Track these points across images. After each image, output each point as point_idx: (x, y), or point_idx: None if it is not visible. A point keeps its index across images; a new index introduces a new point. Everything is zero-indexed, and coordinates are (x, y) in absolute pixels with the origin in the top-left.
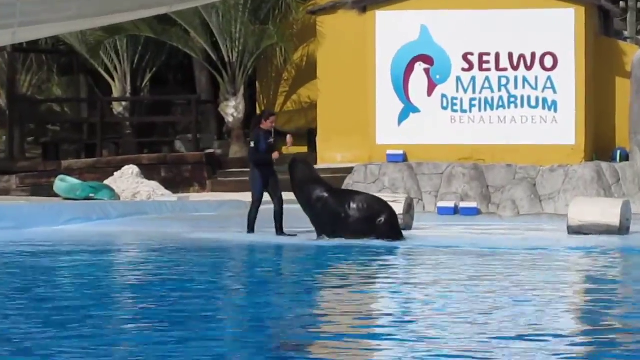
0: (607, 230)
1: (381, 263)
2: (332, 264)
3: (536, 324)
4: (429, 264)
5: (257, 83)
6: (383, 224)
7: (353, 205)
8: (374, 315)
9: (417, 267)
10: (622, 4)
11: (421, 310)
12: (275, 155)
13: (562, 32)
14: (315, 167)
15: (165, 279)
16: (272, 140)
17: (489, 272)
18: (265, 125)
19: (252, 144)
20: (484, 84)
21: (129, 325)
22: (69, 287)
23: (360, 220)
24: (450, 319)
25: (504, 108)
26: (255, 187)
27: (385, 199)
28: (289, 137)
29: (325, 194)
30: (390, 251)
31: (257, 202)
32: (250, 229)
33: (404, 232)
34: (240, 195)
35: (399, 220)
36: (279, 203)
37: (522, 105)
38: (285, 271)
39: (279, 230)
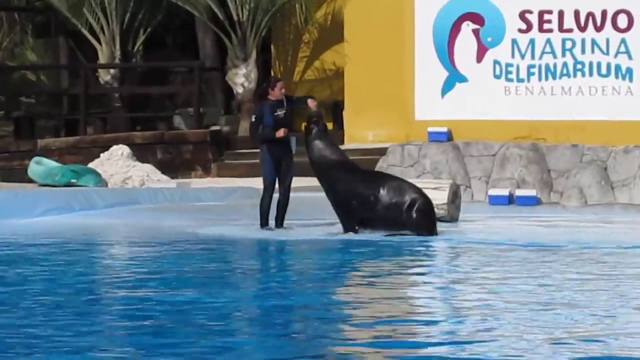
0: None
1: (419, 263)
2: (364, 263)
3: None
4: (479, 261)
5: (271, 47)
6: (416, 213)
7: (382, 191)
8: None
9: (464, 267)
10: None
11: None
12: (280, 133)
13: None
14: (343, 146)
15: (164, 290)
16: (281, 112)
17: (563, 274)
18: (273, 94)
19: (253, 118)
20: (544, 47)
21: None
22: (28, 301)
23: (391, 208)
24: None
25: (569, 77)
26: (265, 170)
27: (425, 185)
28: (310, 101)
29: (350, 176)
30: (428, 248)
31: (268, 189)
32: (264, 221)
33: (449, 225)
34: (251, 181)
35: (443, 211)
36: (284, 192)
37: (591, 74)
38: (311, 271)
39: (279, 223)
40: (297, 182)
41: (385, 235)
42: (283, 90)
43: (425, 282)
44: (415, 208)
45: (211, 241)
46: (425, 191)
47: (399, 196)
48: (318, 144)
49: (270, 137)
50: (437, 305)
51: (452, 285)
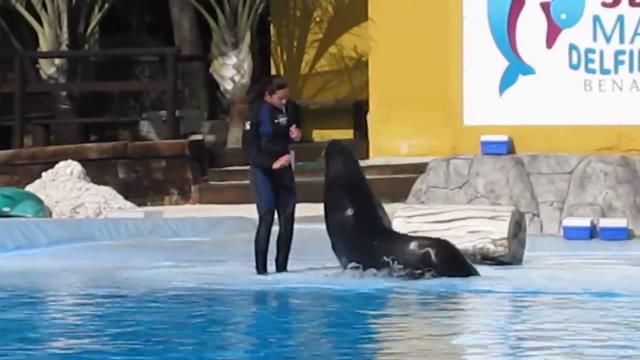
0: None
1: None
2: (388, 320)
3: None
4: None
5: (271, 27)
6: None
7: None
8: None
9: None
10: None
11: None
12: (278, 163)
13: None
14: (367, 161)
15: None
16: (283, 119)
17: None
18: (272, 100)
19: (248, 125)
20: (637, 28)
21: None
22: None
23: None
24: None
25: None
26: (259, 196)
27: (478, 214)
28: (293, 129)
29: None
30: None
31: (265, 219)
32: (260, 263)
33: (508, 268)
34: (244, 209)
35: (502, 249)
36: (286, 224)
37: None
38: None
39: (280, 265)
40: (302, 210)
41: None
42: (284, 101)
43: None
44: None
45: (190, 294)
46: (480, 221)
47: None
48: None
49: (267, 165)
50: None
51: None
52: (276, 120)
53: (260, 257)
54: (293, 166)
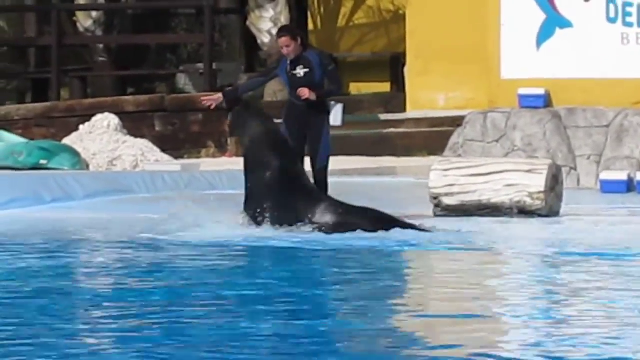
0: None
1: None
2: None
3: None
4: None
5: None
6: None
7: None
8: None
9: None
10: None
11: None
12: (302, 92)
13: None
14: (404, 114)
15: (171, 321)
16: (300, 71)
17: None
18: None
19: (265, 69)
20: None
21: None
22: None
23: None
24: None
25: None
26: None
27: (516, 167)
28: (301, 90)
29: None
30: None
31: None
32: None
33: (546, 221)
34: None
35: (539, 202)
36: (319, 178)
37: None
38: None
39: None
40: (338, 163)
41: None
42: (286, 51)
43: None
44: None
45: (227, 246)
46: (517, 174)
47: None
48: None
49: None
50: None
51: None
52: (293, 72)
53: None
54: (340, 121)
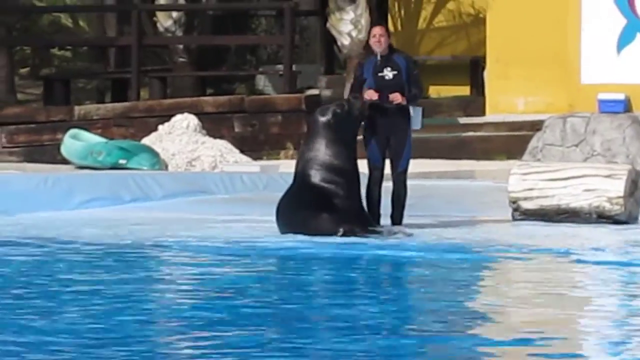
0: None
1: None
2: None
3: None
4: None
5: None
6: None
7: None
8: None
9: None
10: None
11: None
12: (369, 95)
13: None
14: (484, 118)
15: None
16: (390, 72)
17: None
18: (370, 43)
19: (353, 78)
20: None
21: None
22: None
23: None
24: None
25: None
26: (366, 149)
27: (595, 172)
28: (393, 95)
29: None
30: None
31: (374, 174)
32: (372, 217)
33: (624, 227)
34: (361, 164)
35: (618, 207)
36: (398, 181)
37: None
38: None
39: (395, 223)
40: (418, 166)
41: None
42: (378, 39)
43: None
44: None
45: (302, 252)
46: (596, 179)
47: None
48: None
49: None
50: None
51: None
52: (380, 74)
53: (370, 211)
54: (419, 124)
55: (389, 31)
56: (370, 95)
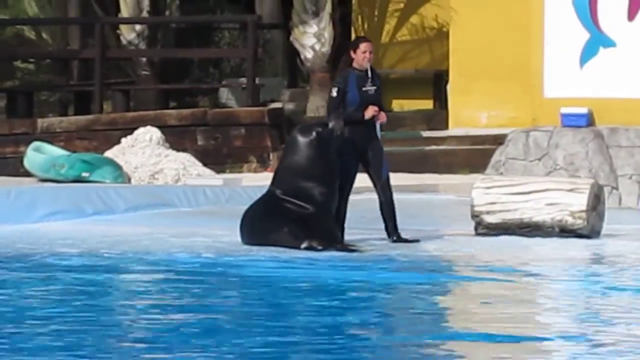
0: None
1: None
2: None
3: None
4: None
5: None
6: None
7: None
8: None
9: None
10: None
11: None
12: (370, 112)
13: None
14: (447, 132)
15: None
16: (371, 87)
17: None
18: (357, 58)
19: (335, 92)
20: None
21: None
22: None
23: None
24: None
25: None
26: (340, 163)
27: (558, 186)
28: (382, 114)
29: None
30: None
31: (346, 188)
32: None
33: (586, 242)
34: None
35: (580, 221)
36: (384, 191)
37: None
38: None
39: (392, 233)
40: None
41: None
42: (367, 56)
43: None
44: None
45: (265, 264)
46: (559, 193)
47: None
48: None
49: (357, 117)
50: None
51: None
52: (364, 88)
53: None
54: (379, 134)
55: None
56: (371, 112)
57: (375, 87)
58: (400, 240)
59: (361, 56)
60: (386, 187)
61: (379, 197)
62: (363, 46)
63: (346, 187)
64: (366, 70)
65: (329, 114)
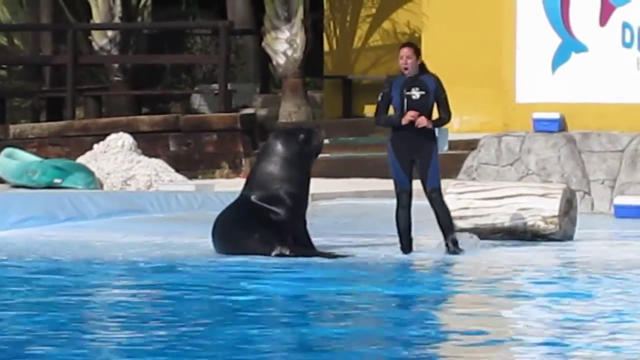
0: None
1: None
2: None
3: None
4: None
5: (324, 1)
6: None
7: None
8: None
9: None
10: None
11: None
12: (408, 117)
13: None
14: None
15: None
16: (417, 92)
17: None
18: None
19: (379, 96)
20: None
21: None
22: None
23: None
24: None
25: None
26: (392, 171)
27: (530, 191)
28: (420, 119)
29: None
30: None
31: (401, 197)
32: (402, 243)
33: (559, 245)
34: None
35: (552, 226)
36: (435, 201)
37: None
38: None
39: (451, 244)
40: (353, 185)
41: None
42: (402, 61)
43: None
44: None
45: (241, 270)
46: (531, 198)
47: None
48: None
49: (394, 123)
50: None
51: None
52: (407, 93)
53: (400, 236)
54: (446, 146)
55: (419, 51)
56: (411, 116)
57: (422, 93)
58: (458, 250)
59: (399, 62)
60: (435, 199)
61: (432, 208)
62: (400, 51)
63: (401, 195)
64: (415, 76)
65: (375, 117)
